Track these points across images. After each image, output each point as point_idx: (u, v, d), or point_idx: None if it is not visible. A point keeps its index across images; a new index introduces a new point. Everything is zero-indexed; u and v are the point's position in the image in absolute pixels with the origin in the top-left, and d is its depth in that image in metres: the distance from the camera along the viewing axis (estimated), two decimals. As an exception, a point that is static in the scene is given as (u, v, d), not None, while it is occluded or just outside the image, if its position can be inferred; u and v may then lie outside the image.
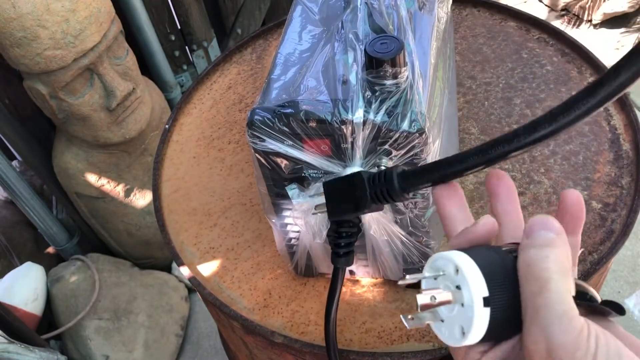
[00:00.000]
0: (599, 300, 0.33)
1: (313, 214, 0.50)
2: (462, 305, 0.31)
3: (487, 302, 0.30)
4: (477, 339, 0.31)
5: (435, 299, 0.32)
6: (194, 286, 0.67)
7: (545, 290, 0.29)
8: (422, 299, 0.32)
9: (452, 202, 0.37)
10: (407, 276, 0.34)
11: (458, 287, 0.31)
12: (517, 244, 0.33)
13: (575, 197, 0.35)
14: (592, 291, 0.33)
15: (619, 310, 0.32)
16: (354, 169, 0.46)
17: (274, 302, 0.64)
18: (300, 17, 0.56)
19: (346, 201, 0.42)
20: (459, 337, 0.32)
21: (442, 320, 0.33)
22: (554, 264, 0.30)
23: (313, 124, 0.45)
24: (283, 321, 0.63)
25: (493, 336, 0.32)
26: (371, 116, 0.44)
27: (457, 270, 0.31)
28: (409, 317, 0.34)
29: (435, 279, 0.33)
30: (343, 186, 0.42)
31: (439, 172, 0.36)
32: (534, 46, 0.86)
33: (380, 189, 0.39)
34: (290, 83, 0.49)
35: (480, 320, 0.30)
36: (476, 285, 0.31)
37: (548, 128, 0.30)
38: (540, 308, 0.29)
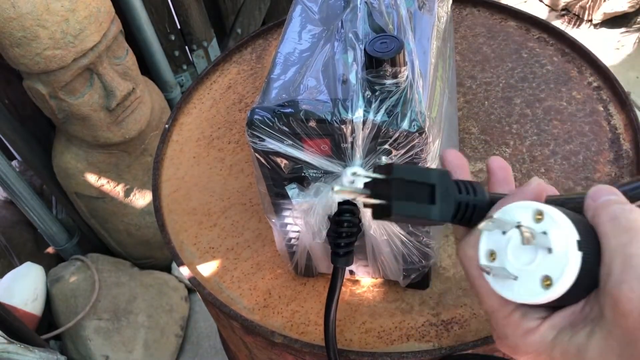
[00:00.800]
0: None
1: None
2: (550, 251, 0.29)
3: (580, 245, 0.29)
4: (565, 287, 0.29)
5: (534, 238, 0.30)
6: (194, 286, 0.67)
7: (636, 240, 0.29)
8: (525, 232, 0.30)
9: (461, 172, 0.37)
10: (485, 220, 0.32)
11: (544, 233, 0.30)
12: None
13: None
14: None
15: None
16: (354, 168, 0.46)
17: (274, 302, 0.64)
18: (300, 16, 0.56)
19: (419, 200, 0.32)
20: (539, 290, 0.29)
21: (515, 278, 0.30)
22: None
23: (313, 124, 0.45)
24: (283, 321, 0.63)
25: (580, 289, 0.30)
26: (371, 116, 0.44)
27: (538, 219, 0.30)
28: (488, 269, 0.31)
29: (504, 233, 0.31)
30: (420, 179, 0.33)
31: None
32: (534, 46, 0.86)
33: (467, 200, 0.33)
34: (290, 82, 0.49)
35: (574, 264, 0.29)
36: (569, 227, 0.29)
37: None
38: (634, 257, 0.28)
